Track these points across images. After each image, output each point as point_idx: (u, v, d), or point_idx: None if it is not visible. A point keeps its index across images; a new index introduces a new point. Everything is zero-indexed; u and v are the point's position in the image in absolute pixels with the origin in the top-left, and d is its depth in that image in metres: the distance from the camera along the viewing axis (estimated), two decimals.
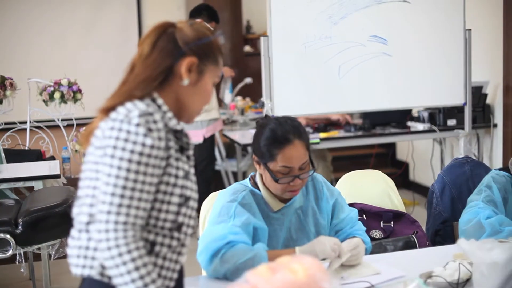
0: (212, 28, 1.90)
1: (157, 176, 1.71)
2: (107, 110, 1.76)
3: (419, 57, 4.76)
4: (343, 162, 6.52)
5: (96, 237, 1.66)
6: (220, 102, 6.29)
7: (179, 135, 1.81)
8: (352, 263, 2.31)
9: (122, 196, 1.65)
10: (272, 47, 4.40)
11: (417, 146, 6.62)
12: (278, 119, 2.42)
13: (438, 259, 2.27)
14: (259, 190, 2.47)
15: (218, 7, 6.82)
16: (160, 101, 1.79)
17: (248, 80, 6.47)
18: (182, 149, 1.82)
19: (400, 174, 6.75)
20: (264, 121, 2.45)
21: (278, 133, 2.35)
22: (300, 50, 4.49)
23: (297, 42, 4.48)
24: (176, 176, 1.76)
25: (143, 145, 1.66)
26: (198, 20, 5.09)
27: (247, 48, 8.06)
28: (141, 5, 6.47)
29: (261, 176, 2.47)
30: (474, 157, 5.24)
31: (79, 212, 1.79)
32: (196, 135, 5.37)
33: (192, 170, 1.85)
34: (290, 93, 4.49)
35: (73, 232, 1.79)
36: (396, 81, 4.73)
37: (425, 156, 6.34)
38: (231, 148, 6.58)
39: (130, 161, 1.65)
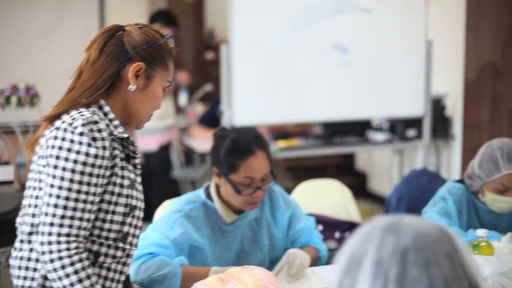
0: (167, 33, 1.84)
1: (101, 186, 1.66)
2: (52, 118, 1.70)
3: (380, 67, 4.77)
4: (302, 172, 6.50)
5: (39, 249, 1.62)
6: (177, 109, 6.22)
7: (125, 143, 1.77)
8: (294, 271, 2.29)
9: (65, 208, 1.60)
10: (233, 54, 4.36)
11: (377, 156, 6.66)
12: (239, 130, 2.38)
13: None
14: (212, 201, 2.42)
15: (181, 12, 6.77)
16: (106, 108, 1.74)
17: (208, 87, 6.41)
18: (128, 158, 1.78)
19: (359, 183, 6.78)
20: (223, 132, 2.38)
21: (241, 144, 2.29)
22: (261, 58, 4.46)
23: (259, 50, 4.45)
24: (121, 186, 1.71)
25: (87, 154, 1.61)
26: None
27: (210, 55, 8.01)
28: (104, 9, 6.39)
29: (216, 187, 2.41)
30: (433, 168, 5.29)
31: (21, 222, 1.74)
32: (150, 142, 5.31)
33: (139, 179, 1.81)
34: (250, 101, 4.45)
35: (16, 242, 1.74)
36: (358, 91, 4.73)
37: (384, 166, 6.37)
38: (189, 155, 6.52)
39: (73, 171, 1.60)
